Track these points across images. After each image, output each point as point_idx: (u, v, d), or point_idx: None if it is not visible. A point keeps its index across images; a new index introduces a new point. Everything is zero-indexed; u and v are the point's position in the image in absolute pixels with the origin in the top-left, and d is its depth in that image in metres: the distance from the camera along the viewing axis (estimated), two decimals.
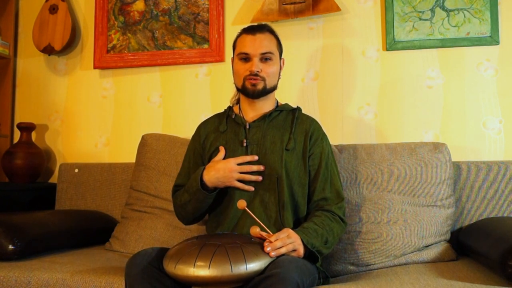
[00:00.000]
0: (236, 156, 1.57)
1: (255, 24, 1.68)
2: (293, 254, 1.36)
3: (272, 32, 1.64)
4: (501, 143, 2.10)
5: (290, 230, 1.39)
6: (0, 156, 2.44)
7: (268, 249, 1.29)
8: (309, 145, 1.60)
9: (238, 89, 1.65)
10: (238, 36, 1.65)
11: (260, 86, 1.58)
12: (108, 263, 1.69)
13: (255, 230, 1.32)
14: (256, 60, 1.57)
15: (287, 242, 1.34)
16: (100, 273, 1.53)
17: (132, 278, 1.28)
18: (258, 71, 1.56)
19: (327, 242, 1.47)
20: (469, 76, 2.14)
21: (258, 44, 1.57)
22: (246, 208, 1.38)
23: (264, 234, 1.34)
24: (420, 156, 1.84)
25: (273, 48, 1.61)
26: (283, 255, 1.32)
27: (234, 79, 1.65)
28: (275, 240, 1.32)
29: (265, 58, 1.58)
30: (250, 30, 1.61)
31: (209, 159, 1.63)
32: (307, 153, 1.59)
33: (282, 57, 1.68)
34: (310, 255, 1.42)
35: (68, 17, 2.47)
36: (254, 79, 1.56)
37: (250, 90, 1.58)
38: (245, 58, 1.58)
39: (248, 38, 1.59)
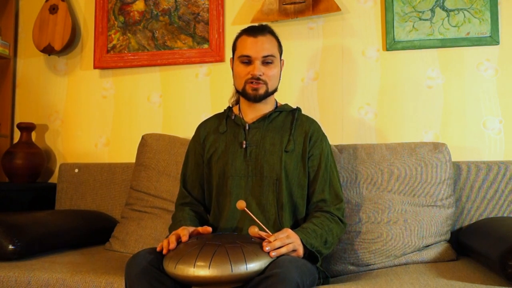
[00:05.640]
0: (236, 157, 1.57)
1: (256, 24, 1.65)
2: (293, 254, 1.36)
3: (273, 33, 1.61)
4: (501, 143, 2.10)
5: (290, 230, 1.39)
6: (0, 156, 2.44)
7: (267, 248, 1.29)
8: (308, 146, 1.59)
9: (238, 92, 1.63)
10: (238, 37, 1.62)
11: (262, 90, 1.56)
12: (108, 263, 1.69)
13: (253, 230, 1.32)
14: (258, 63, 1.54)
15: (287, 242, 1.34)
16: (100, 273, 1.53)
17: (132, 278, 1.28)
18: (260, 75, 1.54)
19: (327, 242, 1.47)
20: (469, 76, 2.14)
21: (260, 46, 1.54)
22: (245, 209, 1.37)
23: (263, 234, 1.34)
24: (420, 156, 1.84)
25: (275, 50, 1.58)
26: (283, 255, 1.32)
27: (234, 81, 1.63)
28: (274, 240, 1.32)
29: (266, 61, 1.56)
30: (251, 32, 1.57)
31: (209, 160, 1.63)
32: (307, 155, 1.58)
33: (282, 58, 1.67)
34: (310, 255, 1.42)
35: (68, 17, 2.47)
36: (256, 83, 1.55)
37: (251, 95, 1.57)
38: (247, 61, 1.56)
39: (249, 40, 1.56)
